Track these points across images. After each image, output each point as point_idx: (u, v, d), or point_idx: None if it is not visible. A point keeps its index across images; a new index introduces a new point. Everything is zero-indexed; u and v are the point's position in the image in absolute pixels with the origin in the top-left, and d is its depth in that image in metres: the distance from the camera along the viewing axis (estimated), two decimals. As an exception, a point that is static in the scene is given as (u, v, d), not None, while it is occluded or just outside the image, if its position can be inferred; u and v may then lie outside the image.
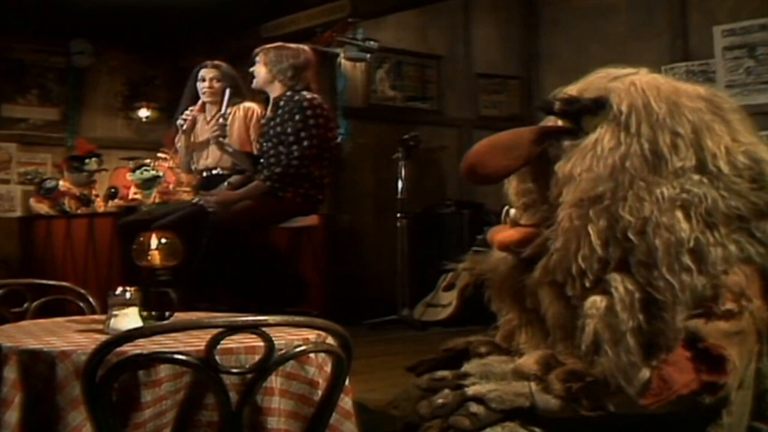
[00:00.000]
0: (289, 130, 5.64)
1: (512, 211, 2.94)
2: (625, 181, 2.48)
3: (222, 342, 2.06)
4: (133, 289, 2.69)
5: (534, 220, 2.82)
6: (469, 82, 9.46)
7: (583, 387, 2.44)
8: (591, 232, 2.45)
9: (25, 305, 3.48)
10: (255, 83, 5.93)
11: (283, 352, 2.13)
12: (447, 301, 7.79)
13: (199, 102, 6.14)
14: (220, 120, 5.86)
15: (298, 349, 2.16)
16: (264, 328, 2.02)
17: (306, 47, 6.11)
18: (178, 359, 2.06)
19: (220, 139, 5.85)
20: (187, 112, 6.12)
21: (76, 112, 9.90)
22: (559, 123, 2.80)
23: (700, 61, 8.00)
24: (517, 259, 2.79)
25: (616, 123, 2.58)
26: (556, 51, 9.34)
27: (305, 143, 5.59)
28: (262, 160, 5.77)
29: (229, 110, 6.06)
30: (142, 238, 2.82)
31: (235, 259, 5.45)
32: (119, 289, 2.68)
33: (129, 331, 2.09)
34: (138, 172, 7.05)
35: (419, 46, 9.15)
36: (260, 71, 5.86)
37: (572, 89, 2.80)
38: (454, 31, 9.39)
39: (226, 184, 5.88)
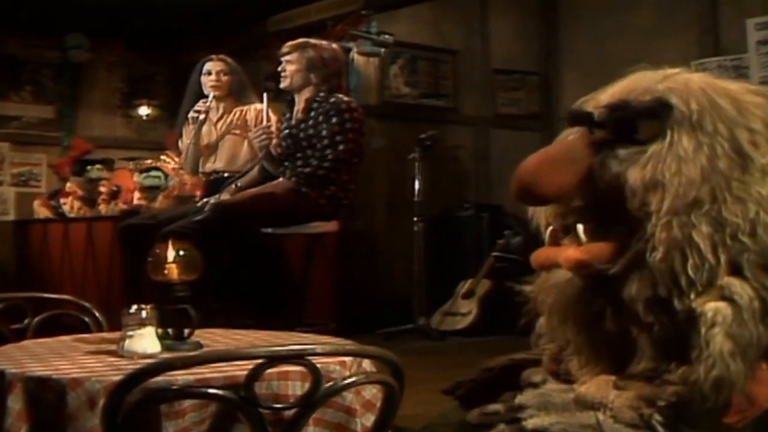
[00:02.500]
0: (324, 132, 5.48)
1: (580, 228, 2.77)
2: (721, 183, 2.35)
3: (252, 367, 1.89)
4: (148, 306, 2.52)
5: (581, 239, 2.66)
6: (486, 78, 9.33)
7: (656, 412, 2.29)
8: (698, 239, 2.31)
9: (26, 321, 3.31)
10: (285, 84, 5.69)
11: (330, 384, 1.93)
12: (466, 309, 7.66)
13: (210, 97, 5.95)
14: (267, 129, 5.62)
15: (347, 381, 1.98)
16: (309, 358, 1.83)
17: (336, 45, 5.94)
18: (213, 394, 1.88)
19: (269, 146, 5.64)
20: (200, 104, 5.93)
21: (73, 109, 9.78)
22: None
23: (732, 56, 7.84)
24: (588, 280, 2.63)
25: (688, 124, 2.43)
26: (576, 46, 9.25)
27: (341, 147, 5.45)
28: (286, 163, 5.60)
29: (237, 110, 5.92)
30: (158, 250, 2.64)
31: (248, 267, 5.31)
32: (134, 307, 2.51)
33: (157, 364, 1.89)
34: (144, 176, 6.88)
35: (434, 41, 9.02)
36: (295, 72, 5.64)
37: (606, 96, 2.64)
38: (471, 24, 9.26)
39: (233, 186, 5.69)
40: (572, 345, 2.70)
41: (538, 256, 2.88)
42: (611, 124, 2.54)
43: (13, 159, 9.37)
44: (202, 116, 5.91)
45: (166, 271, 2.63)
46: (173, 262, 2.63)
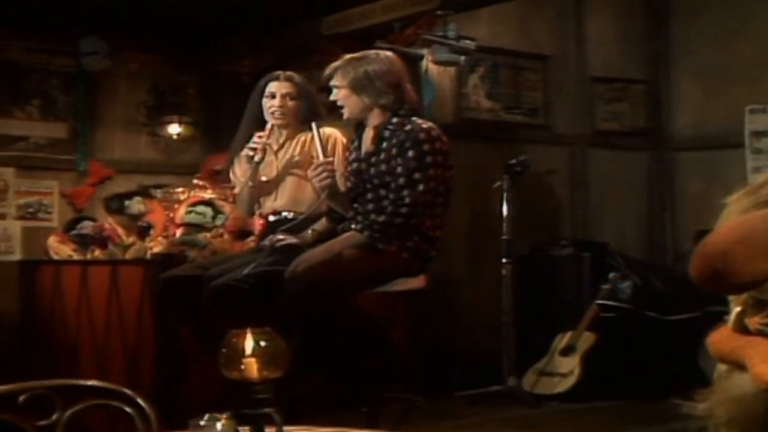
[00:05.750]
0: (399, 169, 5.27)
1: None
2: None
3: None
4: (224, 416, 2.29)
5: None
6: (582, 88, 9.28)
7: None
8: None
9: (55, 416, 3.08)
10: (346, 115, 5.51)
11: None
12: (566, 368, 7.47)
13: (268, 126, 5.76)
14: (327, 165, 5.42)
15: None
16: None
17: (389, 53, 5.70)
18: None
19: (333, 187, 5.45)
20: (257, 138, 5.73)
21: (89, 128, 9.59)
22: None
23: None
24: None
25: None
26: (692, 48, 9.19)
27: (420, 187, 5.24)
28: (356, 205, 5.39)
29: (301, 137, 5.76)
30: (234, 339, 2.41)
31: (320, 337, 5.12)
32: (206, 417, 2.29)
33: None
34: (187, 209, 6.71)
35: (520, 45, 8.96)
36: (350, 100, 5.44)
37: None
38: (564, 24, 9.22)
39: (310, 231, 5.49)
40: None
41: (720, 343, 2.64)
42: None
43: (19, 187, 9.18)
44: (258, 156, 5.71)
45: (242, 367, 2.42)
46: (252, 355, 2.42)
